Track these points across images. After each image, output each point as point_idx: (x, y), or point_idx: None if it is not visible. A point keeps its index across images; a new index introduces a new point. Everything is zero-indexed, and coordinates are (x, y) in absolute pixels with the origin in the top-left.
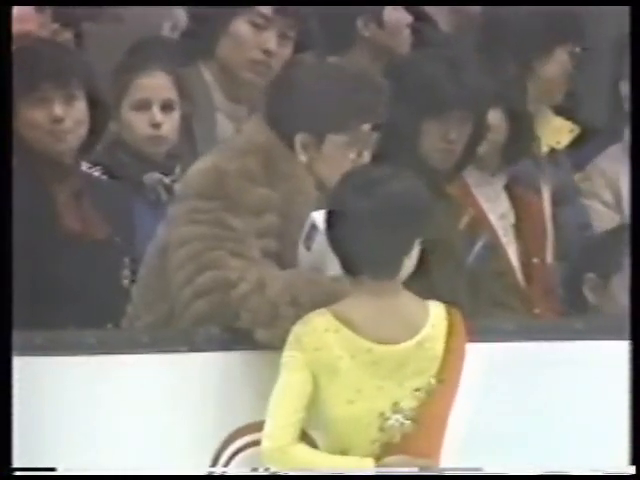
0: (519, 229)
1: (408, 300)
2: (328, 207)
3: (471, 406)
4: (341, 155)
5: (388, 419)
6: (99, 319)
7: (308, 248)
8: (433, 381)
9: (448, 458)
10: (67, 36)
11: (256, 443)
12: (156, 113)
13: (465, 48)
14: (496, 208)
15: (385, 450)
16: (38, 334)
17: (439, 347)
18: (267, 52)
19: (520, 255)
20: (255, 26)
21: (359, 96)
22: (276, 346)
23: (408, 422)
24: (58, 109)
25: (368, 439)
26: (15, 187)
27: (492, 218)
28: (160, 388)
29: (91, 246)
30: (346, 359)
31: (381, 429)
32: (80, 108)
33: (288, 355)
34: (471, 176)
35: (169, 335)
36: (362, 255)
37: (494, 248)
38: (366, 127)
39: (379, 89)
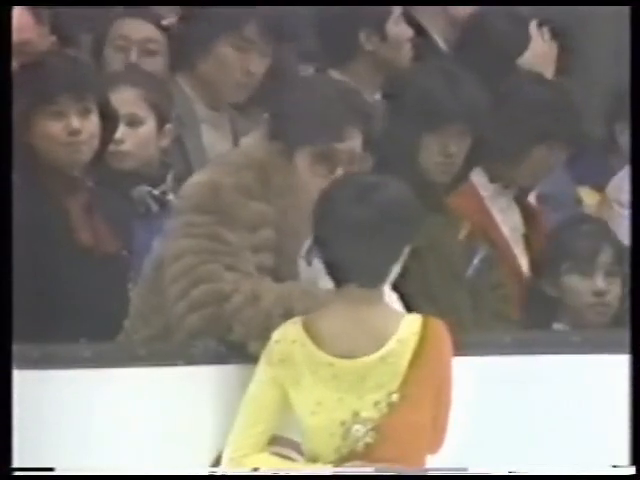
0: (529, 240)
1: (382, 313)
2: (315, 214)
3: (471, 415)
4: (310, 170)
5: (349, 429)
6: (107, 332)
7: (309, 263)
8: (395, 395)
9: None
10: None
11: None
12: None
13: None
14: (509, 219)
15: (350, 458)
16: (35, 347)
17: (403, 362)
18: (249, 74)
19: (532, 266)
20: (239, 49)
21: (329, 113)
22: None
23: (369, 432)
24: (75, 122)
25: (333, 447)
26: (28, 200)
27: (505, 230)
28: (156, 401)
29: (102, 259)
30: (306, 373)
31: (344, 438)
32: (94, 121)
33: (260, 364)
34: (485, 189)
35: (166, 349)
36: (350, 263)
37: (494, 260)
38: (342, 145)
39: (358, 107)
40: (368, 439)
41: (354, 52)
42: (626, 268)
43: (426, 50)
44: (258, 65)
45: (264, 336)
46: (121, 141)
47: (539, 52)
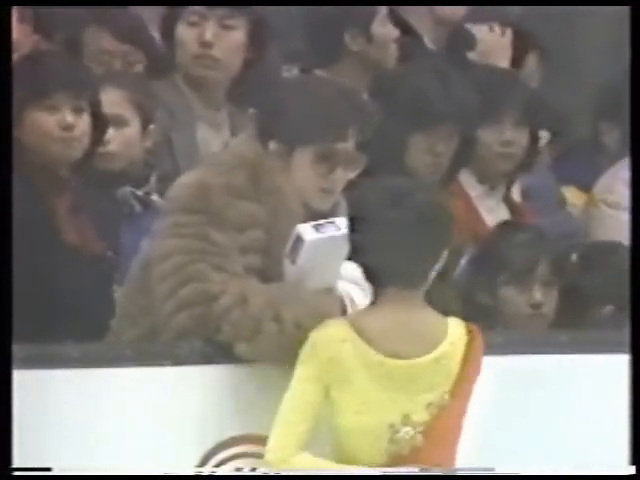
0: None
1: (428, 315)
2: (351, 217)
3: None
4: (311, 169)
5: (398, 431)
6: (94, 333)
7: (293, 261)
8: (446, 396)
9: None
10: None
11: (237, 456)
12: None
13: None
14: (497, 219)
15: (393, 461)
16: (21, 348)
17: (455, 364)
18: (204, 44)
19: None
20: (192, 25)
21: (332, 113)
22: (256, 361)
23: (418, 435)
24: (69, 116)
25: (378, 450)
26: (16, 199)
27: None
28: (143, 402)
29: (88, 260)
30: (358, 371)
31: (391, 441)
32: (86, 120)
33: (301, 364)
34: (473, 189)
35: (153, 349)
36: (389, 265)
37: None
38: (341, 145)
39: (359, 108)
40: (416, 442)
41: (340, 53)
42: (563, 278)
43: (412, 50)
44: (212, 36)
45: (252, 338)
46: (107, 142)
47: (489, 44)
